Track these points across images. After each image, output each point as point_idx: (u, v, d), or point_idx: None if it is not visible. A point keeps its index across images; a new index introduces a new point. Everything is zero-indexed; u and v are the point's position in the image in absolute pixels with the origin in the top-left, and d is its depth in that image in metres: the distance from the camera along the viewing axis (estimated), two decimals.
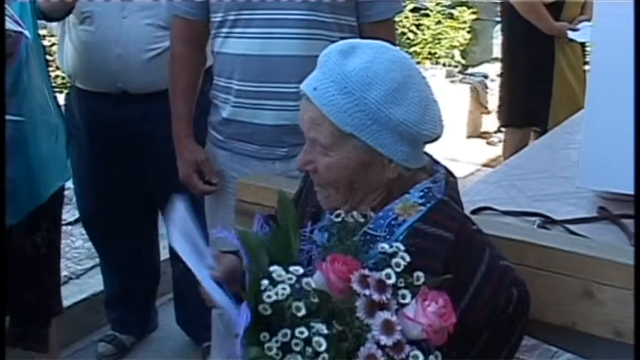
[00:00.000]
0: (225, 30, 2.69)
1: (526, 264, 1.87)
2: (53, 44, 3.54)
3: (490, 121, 7.92)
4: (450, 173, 1.78)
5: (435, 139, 1.71)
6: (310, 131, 1.68)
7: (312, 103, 1.65)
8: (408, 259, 1.54)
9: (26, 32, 2.67)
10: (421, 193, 1.69)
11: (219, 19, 2.70)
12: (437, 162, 1.77)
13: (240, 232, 1.72)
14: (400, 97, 1.62)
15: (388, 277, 1.51)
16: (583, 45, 5.06)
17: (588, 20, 4.85)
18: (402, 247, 1.55)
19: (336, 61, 1.65)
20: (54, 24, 3.59)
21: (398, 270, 1.52)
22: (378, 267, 1.56)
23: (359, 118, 1.61)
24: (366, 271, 1.53)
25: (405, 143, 1.63)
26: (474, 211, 2.31)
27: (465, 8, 8.67)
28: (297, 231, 1.69)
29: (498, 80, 7.85)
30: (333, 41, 1.71)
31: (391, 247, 1.56)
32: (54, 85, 3.27)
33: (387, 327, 1.49)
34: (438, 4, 8.62)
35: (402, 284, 1.53)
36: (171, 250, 3.77)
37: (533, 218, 2.26)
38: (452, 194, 1.72)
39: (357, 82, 1.61)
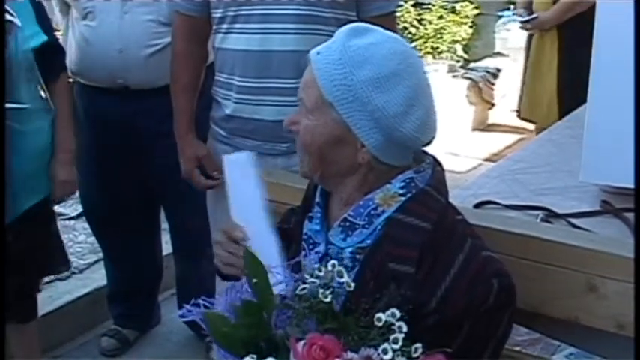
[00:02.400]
0: (225, 26, 2.70)
1: (529, 258, 1.87)
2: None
3: (495, 115, 7.93)
4: (437, 163, 1.77)
5: (421, 145, 1.71)
6: (302, 92, 1.71)
7: (310, 67, 1.68)
8: (405, 329, 1.48)
9: (17, 21, 2.68)
10: (402, 184, 1.69)
11: (219, 15, 2.71)
12: (425, 152, 1.77)
13: (208, 315, 1.62)
14: (388, 85, 1.62)
15: (385, 352, 1.46)
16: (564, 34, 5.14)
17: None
18: (398, 314, 1.50)
19: (345, 36, 1.68)
20: (59, 19, 3.60)
21: (396, 346, 1.47)
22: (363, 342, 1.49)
23: (342, 90, 1.63)
24: (349, 354, 1.46)
25: (380, 132, 1.63)
26: (477, 205, 2.31)
27: (467, 3, 8.66)
28: (270, 293, 1.60)
29: (501, 74, 7.92)
30: (333, 36, 1.71)
31: (386, 314, 1.49)
32: None
33: None
34: None
35: (399, 355, 1.48)
36: (174, 245, 3.80)
37: (536, 212, 2.26)
38: (435, 184, 1.71)
39: (353, 57, 1.63)
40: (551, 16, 5.12)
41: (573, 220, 2.21)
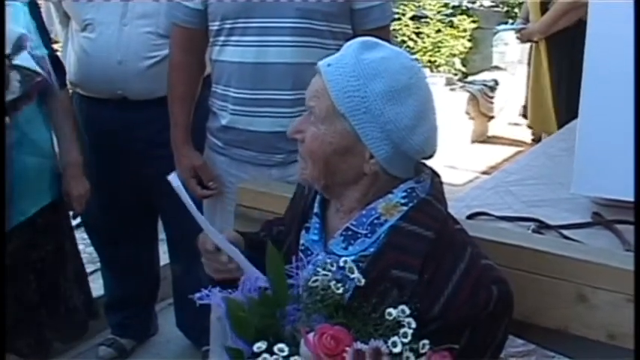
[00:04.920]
0: (222, 38, 2.73)
1: (520, 268, 1.89)
2: (56, 51, 3.56)
3: (493, 128, 7.97)
4: (435, 173, 1.81)
5: (424, 157, 1.75)
6: (311, 100, 1.73)
7: (321, 77, 1.71)
8: (414, 325, 1.53)
9: (50, 79, 2.73)
10: (404, 194, 1.72)
11: (216, 27, 2.74)
12: (422, 163, 1.80)
13: (227, 299, 1.68)
14: (399, 98, 1.66)
15: (394, 345, 1.50)
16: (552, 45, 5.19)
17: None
18: (407, 311, 1.54)
19: (356, 49, 1.71)
20: (59, 30, 3.63)
21: (405, 340, 1.51)
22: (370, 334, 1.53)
23: (355, 102, 1.66)
24: (359, 344, 1.50)
25: (389, 144, 1.67)
26: (470, 217, 2.33)
27: (465, 17, 8.70)
28: (286, 289, 1.65)
29: (499, 88, 7.98)
30: (328, 49, 1.74)
31: (397, 310, 1.54)
32: None
33: None
34: (438, 12, 8.65)
35: (408, 350, 1.52)
36: (171, 255, 3.82)
37: (528, 223, 2.28)
38: (435, 194, 1.75)
39: (366, 71, 1.67)
40: (537, 27, 5.17)
41: (565, 232, 2.23)
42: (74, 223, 3.39)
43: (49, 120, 2.97)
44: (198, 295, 1.75)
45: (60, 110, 3.05)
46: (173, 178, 1.84)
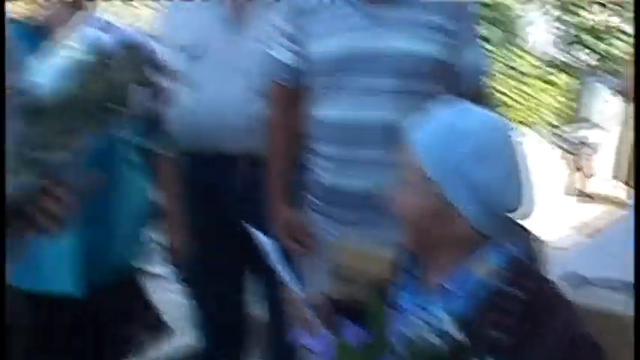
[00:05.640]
0: (318, 96, 2.78)
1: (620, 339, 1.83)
2: None
3: (589, 184, 7.89)
4: (530, 232, 1.80)
5: (519, 218, 1.76)
6: (401, 166, 1.77)
7: (410, 143, 1.74)
8: None
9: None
10: (498, 253, 1.73)
11: (313, 83, 2.78)
12: (516, 223, 1.79)
13: (339, 341, 1.75)
14: (490, 161, 1.68)
15: None
16: None
17: None
18: None
19: (445, 113, 1.75)
20: None
21: None
22: None
23: (445, 167, 1.68)
24: None
25: (480, 206, 1.68)
26: (564, 278, 2.27)
27: (561, 72, 8.65)
28: (385, 340, 1.69)
29: (595, 144, 7.89)
30: (424, 110, 1.76)
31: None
32: None
33: None
34: (534, 67, 8.62)
35: None
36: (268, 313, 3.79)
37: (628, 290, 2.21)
38: (530, 254, 1.75)
39: (455, 133, 1.70)
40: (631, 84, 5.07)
41: None
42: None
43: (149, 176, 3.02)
44: (304, 341, 1.84)
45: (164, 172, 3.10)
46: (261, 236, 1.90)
